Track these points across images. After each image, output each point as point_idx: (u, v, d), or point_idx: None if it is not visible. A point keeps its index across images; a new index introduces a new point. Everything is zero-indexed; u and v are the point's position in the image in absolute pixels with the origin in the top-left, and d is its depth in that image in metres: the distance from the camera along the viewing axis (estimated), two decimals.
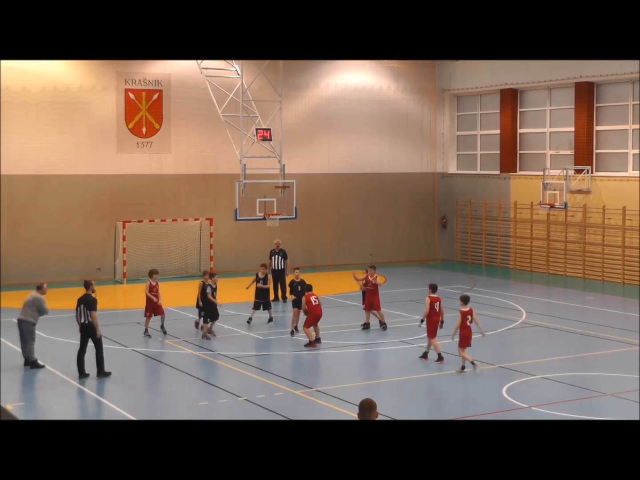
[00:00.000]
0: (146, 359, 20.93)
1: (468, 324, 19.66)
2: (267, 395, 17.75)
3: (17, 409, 16.36)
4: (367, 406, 8.92)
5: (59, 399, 18.11)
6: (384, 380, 19.66)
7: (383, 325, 24.08)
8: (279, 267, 28.76)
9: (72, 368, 20.06)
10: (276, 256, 28.84)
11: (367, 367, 21.43)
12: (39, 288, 20.38)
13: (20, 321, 20.18)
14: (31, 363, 20.07)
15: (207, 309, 23.38)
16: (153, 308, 23.66)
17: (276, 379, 19.11)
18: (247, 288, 25.84)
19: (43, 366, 20.07)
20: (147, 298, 23.70)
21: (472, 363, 19.61)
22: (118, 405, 17.18)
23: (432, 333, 20.57)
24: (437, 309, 20.68)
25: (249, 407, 16.93)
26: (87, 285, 20.00)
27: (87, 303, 19.43)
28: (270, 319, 25.10)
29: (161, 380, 19.27)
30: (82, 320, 19.41)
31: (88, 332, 19.36)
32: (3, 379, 18.63)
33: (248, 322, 24.87)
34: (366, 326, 24.18)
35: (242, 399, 17.53)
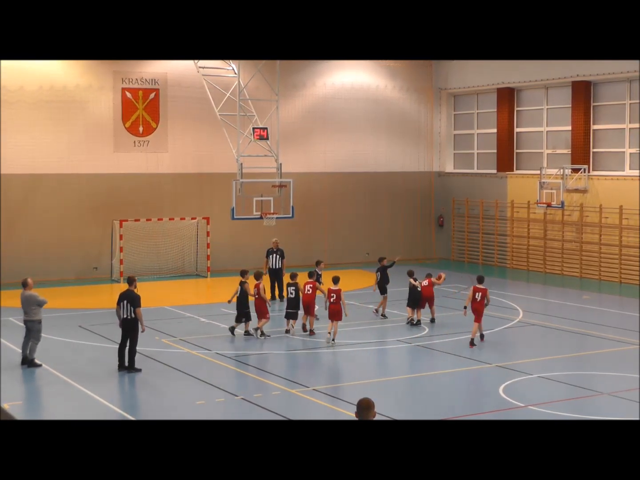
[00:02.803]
0: (143, 358, 20.91)
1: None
2: (264, 395, 17.75)
3: (14, 408, 16.35)
4: (364, 405, 8.90)
5: (56, 397, 18.09)
6: (381, 379, 19.66)
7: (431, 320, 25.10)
8: (277, 267, 28.73)
9: (70, 367, 20.09)
10: (274, 255, 28.80)
11: (364, 366, 21.43)
12: (25, 285, 20.43)
13: (27, 322, 20.27)
14: (29, 362, 20.09)
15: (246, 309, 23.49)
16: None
17: (273, 378, 19.12)
18: (228, 302, 24.13)
19: (40, 365, 20.08)
20: (263, 300, 23.35)
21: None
22: (115, 404, 17.19)
23: (477, 318, 22.40)
24: (479, 298, 22.35)
25: (246, 406, 16.93)
26: (131, 281, 20.17)
27: (131, 299, 19.65)
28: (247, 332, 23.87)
29: (158, 380, 19.26)
30: (125, 316, 19.67)
31: (129, 327, 19.67)
32: (1, 378, 18.61)
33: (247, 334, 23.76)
34: (418, 322, 24.74)
35: (239, 398, 17.54)
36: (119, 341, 19.93)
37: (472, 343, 22.06)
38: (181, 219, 35.11)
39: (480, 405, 17.07)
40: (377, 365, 21.58)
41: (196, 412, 16.57)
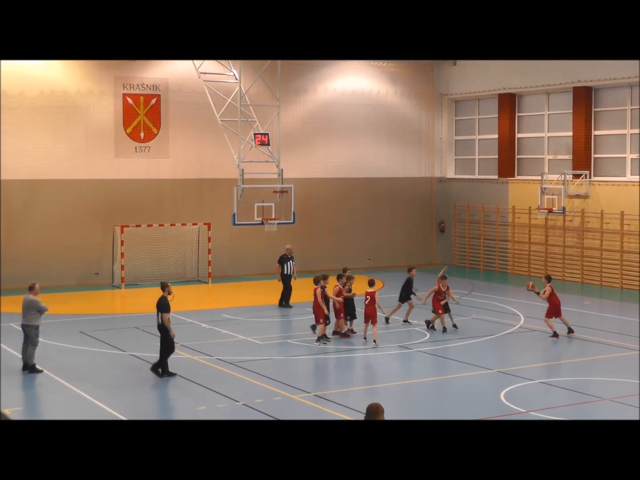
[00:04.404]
0: (144, 364, 20.90)
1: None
2: (265, 400, 17.73)
3: (15, 414, 16.33)
4: (373, 410, 8.97)
5: (57, 403, 18.08)
6: (381, 385, 19.64)
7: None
8: (290, 273, 28.74)
9: (71, 372, 20.07)
10: (290, 262, 28.79)
11: (366, 371, 21.42)
12: (31, 289, 20.40)
13: (24, 326, 20.25)
14: (29, 367, 20.07)
15: (347, 308, 23.76)
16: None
17: (274, 384, 19.09)
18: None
19: (41, 371, 20.07)
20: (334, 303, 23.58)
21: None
22: (116, 410, 17.15)
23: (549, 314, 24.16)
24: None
25: (247, 412, 16.90)
26: (163, 286, 20.20)
27: (160, 305, 19.76)
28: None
29: (159, 385, 19.24)
30: (157, 321, 19.84)
31: (160, 332, 19.81)
32: (1, 384, 18.60)
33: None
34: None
35: (240, 404, 17.52)
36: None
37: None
38: (182, 224, 35.11)
39: (481, 411, 17.03)
40: (377, 371, 21.54)
41: (197, 417, 16.54)
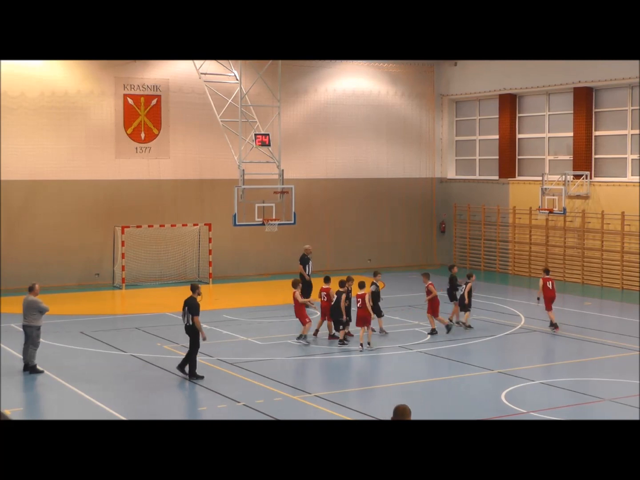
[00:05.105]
0: (145, 364, 20.90)
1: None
2: (266, 401, 17.72)
3: (15, 414, 16.33)
4: (400, 412, 9.04)
5: (58, 404, 18.07)
6: (382, 386, 19.64)
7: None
8: (310, 273, 28.78)
9: (71, 373, 20.07)
10: (311, 262, 28.89)
11: (366, 372, 21.41)
12: (31, 289, 20.39)
13: (25, 327, 20.25)
14: (30, 368, 20.07)
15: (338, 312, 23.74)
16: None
17: (275, 384, 19.09)
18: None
19: (42, 371, 20.06)
20: (300, 305, 23.60)
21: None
22: (117, 410, 17.14)
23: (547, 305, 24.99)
24: (550, 287, 24.93)
25: (247, 412, 16.90)
26: (194, 288, 20.18)
27: (190, 306, 19.70)
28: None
29: (160, 386, 19.23)
30: (185, 322, 19.83)
31: (190, 333, 19.79)
32: (2, 384, 18.60)
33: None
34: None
35: (241, 404, 17.51)
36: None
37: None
38: (183, 225, 35.11)
39: (481, 412, 17.03)
40: (378, 371, 21.54)
41: (198, 418, 16.53)
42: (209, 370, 20.33)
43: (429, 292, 24.53)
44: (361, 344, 22.45)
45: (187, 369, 19.69)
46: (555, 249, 36.28)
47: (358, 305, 22.65)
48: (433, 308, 24.49)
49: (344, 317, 23.28)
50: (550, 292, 24.91)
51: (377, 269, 26.32)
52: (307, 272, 28.65)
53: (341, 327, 23.32)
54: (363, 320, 22.50)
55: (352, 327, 23.64)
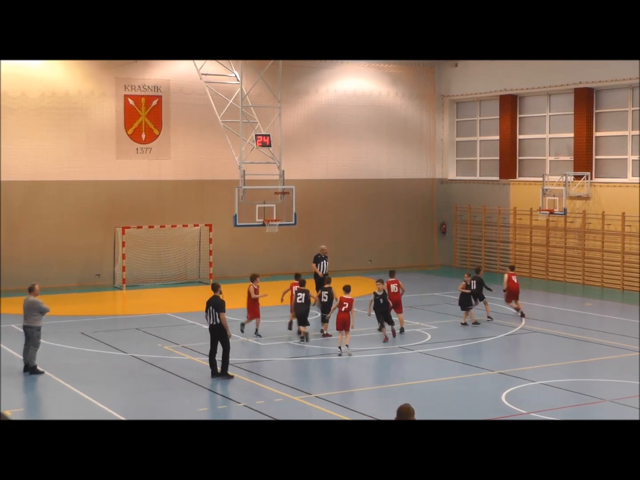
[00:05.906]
0: (145, 365, 20.90)
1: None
2: (266, 402, 17.71)
3: (16, 415, 16.32)
4: (404, 412, 9.04)
5: (58, 405, 18.07)
6: (382, 386, 19.63)
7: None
8: (325, 272, 28.84)
9: (71, 374, 20.06)
10: (324, 261, 28.99)
11: (367, 373, 21.39)
12: (31, 290, 20.39)
13: (25, 327, 20.25)
14: (31, 369, 20.06)
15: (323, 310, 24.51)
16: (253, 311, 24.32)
17: (275, 385, 19.08)
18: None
19: (42, 372, 20.05)
20: (254, 300, 24.25)
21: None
22: (117, 411, 17.14)
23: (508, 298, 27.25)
24: (515, 280, 27.18)
25: (248, 413, 16.89)
26: (215, 287, 20.35)
27: (216, 305, 19.79)
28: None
29: (160, 386, 19.22)
30: (211, 322, 19.87)
31: (217, 333, 19.84)
32: (2, 385, 18.59)
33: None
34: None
35: (241, 405, 17.50)
36: (209, 348, 20.07)
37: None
38: (183, 225, 35.10)
39: (482, 412, 17.02)
40: (379, 372, 21.54)
41: (198, 418, 16.52)
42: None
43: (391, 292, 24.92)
44: (340, 347, 22.23)
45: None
46: (555, 249, 36.27)
47: (343, 309, 22.31)
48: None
49: (322, 313, 24.23)
50: (515, 286, 27.10)
51: (381, 278, 26.05)
52: (321, 270, 28.82)
53: (307, 324, 23.88)
54: (343, 324, 22.22)
55: (332, 329, 23.81)
